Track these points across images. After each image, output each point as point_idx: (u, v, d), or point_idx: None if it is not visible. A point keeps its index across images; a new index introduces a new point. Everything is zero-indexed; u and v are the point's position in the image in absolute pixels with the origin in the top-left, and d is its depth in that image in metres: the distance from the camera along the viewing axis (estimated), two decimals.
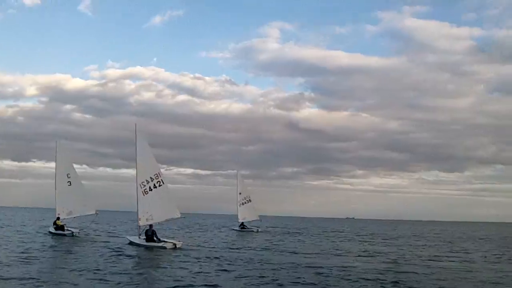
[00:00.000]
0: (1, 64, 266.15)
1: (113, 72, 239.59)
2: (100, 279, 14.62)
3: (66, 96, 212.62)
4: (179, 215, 28.04)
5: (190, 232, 44.79)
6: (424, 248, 32.09)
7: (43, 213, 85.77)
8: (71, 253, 22.32)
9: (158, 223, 27.28)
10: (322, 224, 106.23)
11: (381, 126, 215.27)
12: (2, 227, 41.84)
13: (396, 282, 15.57)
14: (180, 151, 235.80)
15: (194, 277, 15.57)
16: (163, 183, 27.52)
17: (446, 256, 25.91)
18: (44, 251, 22.93)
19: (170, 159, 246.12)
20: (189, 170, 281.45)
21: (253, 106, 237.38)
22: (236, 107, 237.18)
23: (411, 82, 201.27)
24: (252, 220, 50.10)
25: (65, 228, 33.30)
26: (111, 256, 21.12)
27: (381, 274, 17.41)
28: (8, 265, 16.96)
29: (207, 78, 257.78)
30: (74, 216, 34.78)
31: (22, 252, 21.28)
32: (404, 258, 24.08)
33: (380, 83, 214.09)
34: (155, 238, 25.29)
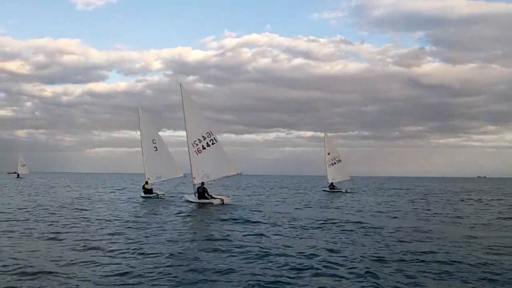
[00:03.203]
0: (128, 42, 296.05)
1: (229, 41, 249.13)
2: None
3: (188, 68, 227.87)
4: (235, 172, 27.86)
5: (260, 192, 44.73)
6: None
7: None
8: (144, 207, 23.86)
9: (214, 180, 27.60)
10: (449, 184, 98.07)
11: None
12: (121, 191, 45.94)
13: None
14: (299, 114, 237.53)
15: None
16: (216, 141, 27.53)
17: None
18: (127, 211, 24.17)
19: (290, 123, 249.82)
20: (309, 133, 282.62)
21: (370, 64, 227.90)
22: (352, 67, 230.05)
23: None
24: (343, 181, 48.26)
25: (153, 191, 35.52)
26: (166, 212, 21.92)
27: None
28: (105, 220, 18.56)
29: (321, 39, 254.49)
30: (163, 180, 36.63)
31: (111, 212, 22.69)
32: None
33: (507, 30, 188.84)
34: (206, 195, 25.63)
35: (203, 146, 27.25)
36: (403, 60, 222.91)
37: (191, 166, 27.17)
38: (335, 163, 47.78)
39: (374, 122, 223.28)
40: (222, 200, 25.28)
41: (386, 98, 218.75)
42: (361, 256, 10.48)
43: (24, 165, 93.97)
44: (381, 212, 22.58)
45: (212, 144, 27.40)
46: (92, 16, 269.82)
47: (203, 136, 27.27)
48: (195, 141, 27.21)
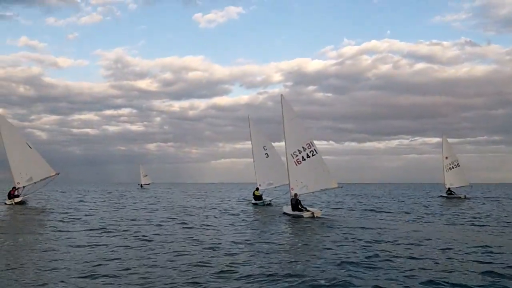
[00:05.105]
0: (249, 56, 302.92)
1: (349, 49, 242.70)
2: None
3: (308, 78, 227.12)
4: (336, 185, 27.01)
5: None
6: None
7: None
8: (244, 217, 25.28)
9: (313, 192, 27.13)
10: None
11: None
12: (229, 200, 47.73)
13: None
14: (423, 120, 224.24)
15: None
16: (316, 152, 26.82)
17: None
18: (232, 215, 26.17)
19: (414, 130, 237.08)
20: (435, 140, 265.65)
21: (499, 66, 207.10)
22: (479, 69, 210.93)
23: None
24: (461, 186, 44.68)
25: (262, 197, 36.10)
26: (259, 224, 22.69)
27: None
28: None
29: (444, 43, 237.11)
30: (275, 186, 37.06)
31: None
32: None
33: None
34: (300, 207, 25.37)
35: (302, 157, 26.75)
36: None
37: (289, 177, 26.90)
38: (453, 167, 44.53)
39: (505, 126, 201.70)
40: (313, 213, 24.78)
41: None
42: None
43: (146, 176, 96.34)
44: None
45: (312, 155, 26.74)
46: (214, 33, 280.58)
47: (303, 147, 26.73)
48: (295, 151, 26.79)
